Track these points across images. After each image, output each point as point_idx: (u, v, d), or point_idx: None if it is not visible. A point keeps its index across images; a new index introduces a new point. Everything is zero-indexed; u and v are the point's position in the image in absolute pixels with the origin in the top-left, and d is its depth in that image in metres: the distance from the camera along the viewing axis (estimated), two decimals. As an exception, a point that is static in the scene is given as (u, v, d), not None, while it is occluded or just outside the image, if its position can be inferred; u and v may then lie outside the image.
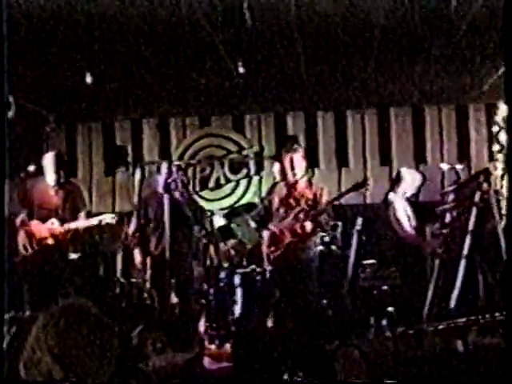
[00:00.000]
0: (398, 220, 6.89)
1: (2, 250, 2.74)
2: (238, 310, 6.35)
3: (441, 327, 4.72)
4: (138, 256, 6.34)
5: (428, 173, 8.01)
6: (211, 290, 6.22)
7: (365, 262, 7.06)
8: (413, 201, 7.07)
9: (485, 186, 5.91)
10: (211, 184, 8.60)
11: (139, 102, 7.85)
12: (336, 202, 6.14)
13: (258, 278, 6.29)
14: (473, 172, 7.47)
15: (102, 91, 7.04)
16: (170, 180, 6.08)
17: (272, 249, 6.13)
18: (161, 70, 6.54)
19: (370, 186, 6.09)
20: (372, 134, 8.44)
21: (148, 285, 6.14)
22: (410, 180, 7.04)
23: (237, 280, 6.44)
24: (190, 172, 8.57)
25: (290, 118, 8.50)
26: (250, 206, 7.29)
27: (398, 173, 7.17)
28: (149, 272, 6.18)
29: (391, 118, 8.41)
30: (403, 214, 6.94)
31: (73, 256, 6.31)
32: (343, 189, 7.40)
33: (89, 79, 6.19)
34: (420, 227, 6.88)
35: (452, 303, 5.85)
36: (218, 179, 8.60)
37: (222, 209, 8.25)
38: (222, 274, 6.39)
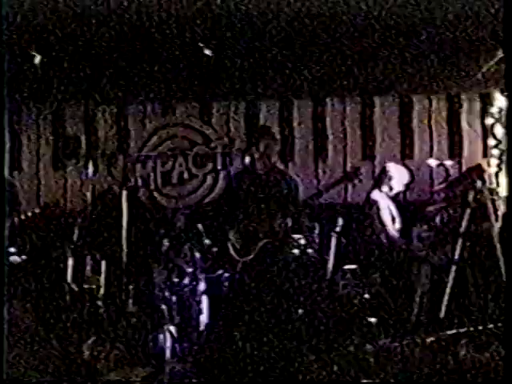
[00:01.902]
0: (381, 221, 6.93)
1: (2, 250, 2.82)
2: (203, 319, 6.35)
3: (429, 340, 4.75)
4: (90, 259, 6.30)
5: (415, 169, 8.07)
6: (173, 298, 6.19)
7: (345, 267, 7.04)
8: (399, 200, 7.10)
9: (478, 184, 5.96)
10: (174, 179, 8.56)
11: (93, 87, 7.78)
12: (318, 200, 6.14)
13: (226, 284, 6.30)
14: (464, 169, 7.52)
15: (51, 74, 6.97)
16: (128, 175, 6.06)
17: (242, 252, 6.11)
18: (118, 51, 6.49)
19: (362, 176, 6.10)
20: (354, 125, 8.45)
21: (102, 291, 6.09)
22: (397, 177, 7.09)
23: (202, 286, 6.45)
24: (149, 166, 8.52)
25: (263, 106, 8.47)
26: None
27: (384, 168, 7.21)
28: (103, 277, 6.14)
29: (376, 107, 8.42)
30: (388, 214, 6.98)
31: (16, 259, 6.25)
32: (321, 184, 7.41)
33: (37, 60, 6.14)
34: (406, 229, 6.94)
35: (441, 313, 5.89)
36: (181, 174, 8.57)
37: (187, 207, 8.21)
38: (186, 280, 6.37)
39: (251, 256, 6.08)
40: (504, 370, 2.49)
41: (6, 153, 2.59)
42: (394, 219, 7.06)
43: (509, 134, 3.54)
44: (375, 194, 7.05)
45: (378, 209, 6.92)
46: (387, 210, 6.99)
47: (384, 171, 7.20)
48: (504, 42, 3.12)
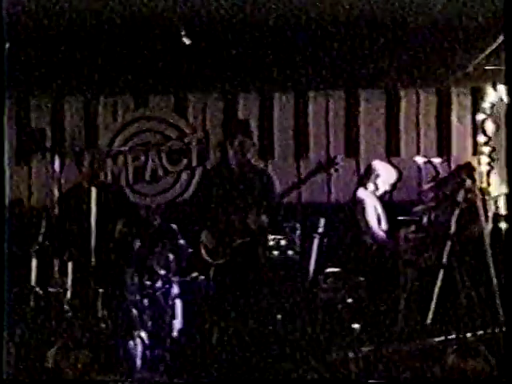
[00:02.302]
0: (367, 222, 6.96)
1: (2, 248, 2.92)
2: (176, 324, 6.37)
3: (415, 347, 4.77)
4: (56, 261, 6.28)
5: (402, 167, 8.11)
6: (145, 302, 6.19)
7: (327, 270, 7.05)
8: (385, 200, 7.14)
9: (468, 183, 6.01)
10: (147, 176, 8.55)
11: (61, 77, 7.75)
12: (294, 199, 6.14)
13: (201, 288, 6.32)
14: (453, 167, 7.56)
15: (15, 64, 6.92)
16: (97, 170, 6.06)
17: (215, 254, 6.12)
18: (88, 40, 6.48)
19: (340, 165, 6.10)
20: (338, 121, 8.47)
21: (69, 295, 6.08)
22: (384, 175, 7.12)
23: (175, 290, 6.47)
24: (120, 161, 8.51)
25: (241, 99, 8.47)
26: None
27: (369, 166, 7.24)
28: (70, 280, 6.12)
29: (361, 102, 8.44)
30: (373, 214, 7.01)
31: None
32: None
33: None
34: (392, 230, 6.98)
35: (428, 319, 5.93)
36: (154, 170, 8.56)
37: (160, 205, 8.19)
38: (159, 283, 6.38)
39: (225, 258, 6.05)
40: (504, 369, 2.56)
41: (6, 152, 2.73)
42: (379, 219, 7.10)
43: (509, 133, 3.59)
44: (361, 193, 7.08)
45: (364, 208, 6.95)
46: (373, 210, 7.02)
47: (369, 169, 7.23)
48: (505, 43, 3.19)
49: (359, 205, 6.98)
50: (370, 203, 7.02)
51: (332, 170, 6.06)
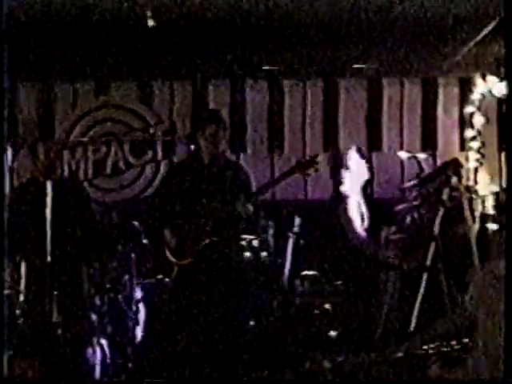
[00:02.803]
0: (349, 220, 6.97)
1: (2, 248, 2.96)
2: (139, 331, 6.39)
3: (397, 356, 4.80)
4: (8, 261, 6.25)
5: (384, 162, 8.15)
6: (105, 306, 6.18)
7: (303, 273, 7.14)
8: (367, 196, 7.17)
9: (454, 180, 6.05)
10: (108, 170, 8.52)
11: (15, 61, 7.67)
12: (268, 195, 6.16)
13: (166, 291, 6.31)
14: (439, 163, 7.62)
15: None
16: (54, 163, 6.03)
17: (182, 253, 6.12)
18: (45, 21, 6.44)
19: (320, 166, 6.10)
20: (315, 111, 8.50)
21: (22, 298, 6.05)
22: (355, 172, 7.13)
23: (138, 293, 6.48)
24: (79, 153, 8.48)
25: (211, 86, 8.48)
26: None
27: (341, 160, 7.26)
28: (23, 282, 6.09)
29: (340, 91, 8.48)
30: (357, 211, 7.02)
31: None
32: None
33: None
34: (373, 231, 7.03)
35: (411, 326, 5.97)
36: (116, 164, 8.54)
37: (122, 201, 8.18)
38: (120, 286, 6.37)
39: (191, 259, 6.06)
40: (504, 369, 2.63)
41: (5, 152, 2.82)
42: (363, 217, 7.15)
43: (509, 131, 3.63)
44: (346, 188, 7.08)
45: (347, 204, 6.95)
46: (356, 207, 7.02)
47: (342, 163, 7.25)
48: (505, 39, 3.24)
49: (342, 201, 6.97)
50: (354, 200, 7.03)
51: (311, 171, 6.04)
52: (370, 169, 7.51)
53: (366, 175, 7.27)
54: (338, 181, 7.32)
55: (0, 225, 2.81)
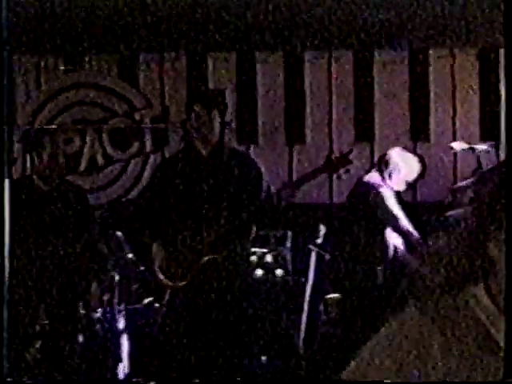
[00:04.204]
0: (394, 216, 6.91)
1: (2, 250, 3.15)
2: (122, 368, 6.40)
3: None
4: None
5: (431, 156, 8.10)
6: (80, 337, 6.20)
7: (329, 296, 7.12)
8: (405, 201, 7.11)
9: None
10: (82, 166, 8.52)
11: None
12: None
13: (156, 318, 6.30)
14: (503, 156, 7.54)
15: None
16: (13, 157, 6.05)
17: (173, 274, 6.09)
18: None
19: (353, 165, 6.08)
20: (344, 92, 8.54)
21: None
22: (404, 170, 7.07)
23: (122, 321, 6.51)
24: (45, 145, 8.46)
25: (212, 61, 8.50)
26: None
27: (384, 157, 7.21)
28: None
29: (374, 65, 8.51)
30: (397, 206, 6.98)
31: None
32: (295, 177, 7.47)
33: None
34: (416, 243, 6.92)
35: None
36: (92, 158, 8.52)
37: (101, 205, 8.16)
38: (99, 312, 6.43)
39: (188, 280, 6.03)
40: (504, 369, 2.71)
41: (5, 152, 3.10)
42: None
43: (508, 133, 3.63)
44: (375, 179, 7.04)
45: (383, 199, 6.92)
46: (396, 204, 7.01)
47: (384, 160, 7.20)
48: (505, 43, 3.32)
49: (376, 194, 6.92)
50: (389, 192, 6.98)
51: (343, 171, 6.01)
52: (421, 163, 7.43)
53: (414, 174, 7.21)
54: (373, 180, 7.26)
55: (0, 225, 3.07)
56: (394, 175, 7.04)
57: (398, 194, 7.07)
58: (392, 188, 7.03)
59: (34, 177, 6.51)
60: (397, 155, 7.13)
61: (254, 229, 6.10)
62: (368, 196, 6.89)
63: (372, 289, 6.92)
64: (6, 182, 5.80)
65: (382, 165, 7.13)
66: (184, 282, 6.02)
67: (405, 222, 6.85)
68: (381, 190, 6.92)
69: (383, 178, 7.02)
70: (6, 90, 3.38)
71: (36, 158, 6.60)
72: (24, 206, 6.26)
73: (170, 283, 6.06)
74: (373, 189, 6.93)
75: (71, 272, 6.39)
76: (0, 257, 3.23)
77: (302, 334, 6.92)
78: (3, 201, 3.37)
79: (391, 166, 7.06)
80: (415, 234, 6.83)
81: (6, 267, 3.24)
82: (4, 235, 3.31)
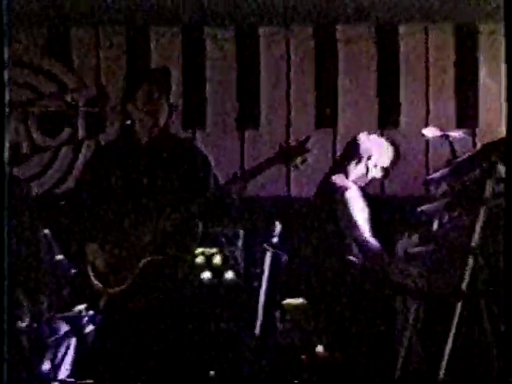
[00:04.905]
0: (352, 226, 6.90)
1: (3, 249, 3.47)
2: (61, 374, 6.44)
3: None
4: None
5: (401, 144, 8.12)
6: (4, 350, 6.13)
7: (285, 301, 7.17)
8: (372, 195, 7.11)
9: (501, 170, 5.99)
10: (5, 154, 8.43)
11: None
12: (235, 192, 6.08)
13: (90, 327, 6.45)
14: (480, 144, 7.56)
15: None
16: None
17: (112, 277, 6.04)
18: None
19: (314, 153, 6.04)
20: (304, 71, 8.56)
21: None
22: (377, 155, 7.08)
23: (51, 332, 6.53)
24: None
25: (154, 34, 8.49)
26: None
27: (354, 142, 7.20)
28: None
29: (338, 42, 8.50)
30: (361, 215, 6.99)
31: None
32: (247, 167, 7.44)
33: None
34: (386, 242, 7.00)
35: (440, 373, 5.92)
36: (17, 145, 8.49)
37: (26, 198, 8.08)
38: (25, 322, 6.40)
39: (125, 285, 5.98)
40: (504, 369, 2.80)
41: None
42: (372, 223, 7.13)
43: (509, 129, 3.66)
44: (341, 180, 7.00)
45: (347, 203, 6.94)
46: (360, 209, 7.01)
47: (354, 146, 7.20)
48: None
49: (340, 198, 6.97)
50: (357, 199, 6.99)
51: (299, 161, 6.01)
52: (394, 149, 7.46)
53: (387, 159, 7.23)
54: (335, 171, 7.24)
55: (0, 226, 3.15)
56: (365, 162, 7.04)
57: (364, 192, 7.10)
58: (361, 185, 7.03)
59: None
60: (366, 139, 7.14)
61: (201, 226, 6.10)
62: (332, 200, 6.89)
63: (336, 294, 6.97)
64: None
65: (351, 152, 7.13)
66: (121, 287, 6.01)
67: (365, 233, 6.91)
68: (346, 193, 6.93)
69: (351, 171, 7.03)
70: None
71: None
72: None
73: (105, 288, 6.06)
74: (338, 192, 6.95)
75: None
76: (0, 257, 3.32)
77: (255, 345, 6.95)
78: (3, 200, 3.46)
79: (362, 152, 7.06)
80: (375, 245, 6.89)
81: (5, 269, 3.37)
82: (4, 237, 3.42)
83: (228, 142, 8.41)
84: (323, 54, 8.49)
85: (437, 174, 6.73)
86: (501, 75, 8.22)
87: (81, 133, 8.47)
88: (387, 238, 6.96)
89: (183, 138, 6.70)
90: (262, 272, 7.08)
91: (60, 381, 6.41)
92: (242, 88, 8.49)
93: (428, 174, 7.58)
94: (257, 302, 7.08)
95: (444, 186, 6.61)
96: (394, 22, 8.40)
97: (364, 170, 7.09)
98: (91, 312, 6.50)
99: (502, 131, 7.73)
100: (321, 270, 7.07)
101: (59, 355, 6.54)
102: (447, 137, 7.00)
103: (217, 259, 7.01)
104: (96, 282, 6.09)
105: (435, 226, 6.56)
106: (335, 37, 8.50)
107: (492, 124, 8.17)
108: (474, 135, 8.01)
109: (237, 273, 7.15)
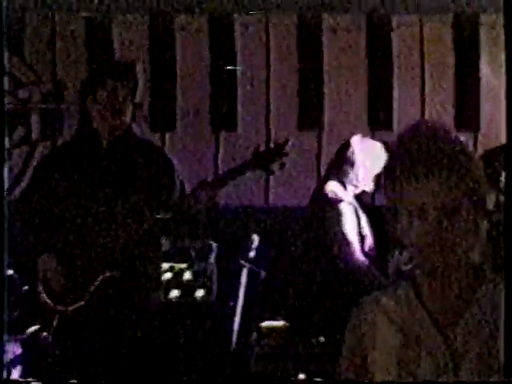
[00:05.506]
0: (341, 240, 6.81)
1: (2, 249, 3.46)
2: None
3: None
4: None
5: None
6: None
7: (263, 324, 7.09)
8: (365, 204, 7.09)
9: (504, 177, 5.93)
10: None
11: None
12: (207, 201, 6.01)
13: (41, 351, 6.39)
14: (482, 150, 7.52)
15: None
16: None
17: (66, 294, 5.99)
18: None
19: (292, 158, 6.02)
20: (286, 64, 8.57)
21: None
22: (371, 160, 7.01)
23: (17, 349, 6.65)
24: None
25: (117, 23, 8.51)
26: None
27: (346, 145, 7.12)
28: None
29: (324, 32, 8.50)
30: (353, 226, 6.92)
31: None
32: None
33: None
34: (377, 257, 7.06)
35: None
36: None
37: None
38: None
39: (80, 303, 5.93)
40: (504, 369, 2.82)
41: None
42: (363, 237, 7.14)
43: (509, 132, 3.65)
44: (333, 187, 6.96)
45: (340, 217, 6.95)
46: (353, 220, 7.05)
47: (346, 150, 7.13)
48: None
49: (330, 208, 7.00)
50: (349, 209, 6.92)
51: (276, 166, 5.98)
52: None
53: (380, 164, 7.14)
54: (322, 178, 7.20)
55: (0, 226, 3.38)
56: (358, 173, 6.99)
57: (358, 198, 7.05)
58: (354, 195, 6.99)
59: None
60: (359, 145, 7.08)
61: (168, 239, 6.07)
62: (323, 211, 6.90)
63: (320, 315, 6.99)
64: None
65: (343, 160, 7.07)
66: (75, 306, 6.00)
67: (355, 250, 6.94)
68: (339, 206, 6.93)
69: (343, 182, 6.99)
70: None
71: None
72: None
73: (57, 307, 6.04)
74: (331, 204, 6.95)
75: None
76: (0, 259, 3.36)
77: (229, 371, 6.95)
78: (3, 200, 3.48)
79: (356, 158, 7.00)
80: (363, 262, 6.93)
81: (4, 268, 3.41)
82: (4, 237, 3.47)
83: (201, 146, 8.41)
84: (307, 45, 8.49)
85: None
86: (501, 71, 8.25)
87: (35, 133, 8.44)
88: (380, 253, 6.95)
89: (146, 140, 6.63)
90: (238, 290, 7.09)
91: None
92: (216, 84, 8.48)
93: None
94: (231, 323, 7.08)
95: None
96: (386, 12, 8.40)
97: (358, 178, 7.04)
98: (44, 334, 6.41)
99: (503, 135, 7.73)
100: (303, 289, 7.09)
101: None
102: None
103: (187, 275, 6.97)
104: (48, 301, 6.01)
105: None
106: (321, 26, 8.47)
107: (495, 127, 8.14)
108: (475, 140, 7.96)
109: (208, 291, 7.11)
